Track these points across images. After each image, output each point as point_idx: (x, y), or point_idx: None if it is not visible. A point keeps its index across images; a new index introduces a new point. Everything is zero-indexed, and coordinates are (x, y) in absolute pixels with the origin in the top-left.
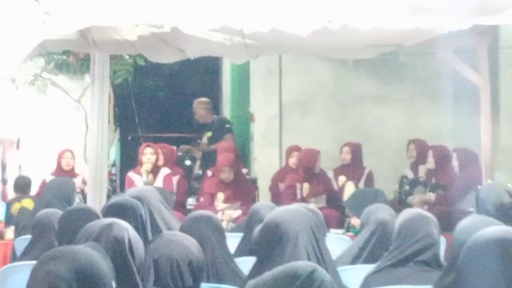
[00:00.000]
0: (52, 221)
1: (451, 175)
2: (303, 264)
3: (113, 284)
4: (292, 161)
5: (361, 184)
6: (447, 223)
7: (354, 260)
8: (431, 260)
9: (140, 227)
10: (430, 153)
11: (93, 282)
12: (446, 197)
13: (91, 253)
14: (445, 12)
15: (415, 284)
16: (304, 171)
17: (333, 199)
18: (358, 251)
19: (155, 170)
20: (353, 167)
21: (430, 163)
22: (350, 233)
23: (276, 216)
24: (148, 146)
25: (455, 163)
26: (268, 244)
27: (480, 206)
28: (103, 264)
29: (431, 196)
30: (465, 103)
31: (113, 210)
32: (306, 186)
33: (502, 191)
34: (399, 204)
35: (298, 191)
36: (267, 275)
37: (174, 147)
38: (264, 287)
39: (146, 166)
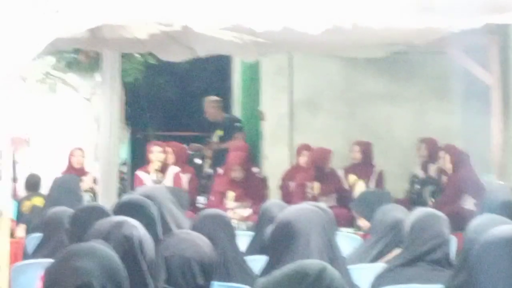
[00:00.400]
0: (62, 219)
1: (465, 174)
2: (313, 263)
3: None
4: (303, 160)
5: (372, 183)
6: (456, 222)
7: (364, 259)
8: (442, 259)
9: (150, 226)
10: (442, 153)
11: (117, 278)
12: (441, 201)
13: (109, 251)
14: (456, 11)
15: (426, 283)
16: (315, 170)
17: (343, 198)
18: (372, 250)
19: (163, 169)
20: (363, 166)
21: (447, 162)
22: (361, 232)
23: (288, 215)
24: (155, 144)
25: (448, 165)
26: (280, 243)
27: (488, 205)
28: (119, 262)
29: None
30: (475, 102)
31: (124, 208)
32: (316, 185)
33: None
34: (410, 203)
35: (309, 190)
36: (277, 273)
37: (185, 146)
38: (274, 286)
39: (155, 164)
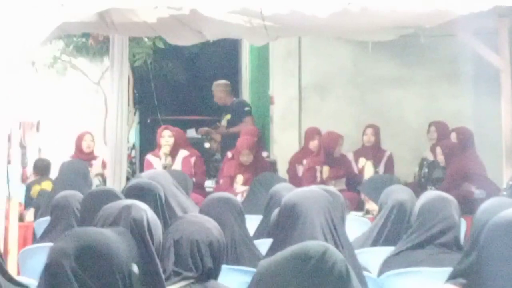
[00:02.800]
0: (71, 203)
1: (473, 157)
2: (315, 245)
3: (134, 267)
4: (313, 144)
5: (381, 167)
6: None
7: (374, 242)
8: (451, 242)
9: (159, 209)
10: (454, 135)
11: (100, 260)
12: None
13: (105, 234)
14: None
15: (435, 266)
16: (325, 154)
17: (353, 182)
18: (377, 233)
19: (173, 153)
20: (373, 149)
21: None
22: (370, 215)
23: (292, 197)
24: (166, 128)
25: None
26: (284, 225)
27: None
28: (118, 246)
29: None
30: (486, 85)
31: (132, 191)
32: (326, 169)
33: None
34: (419, 186)
35: (318, 174)
36: (279, 255)
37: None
38: (276, 268)
39: (165, 148)
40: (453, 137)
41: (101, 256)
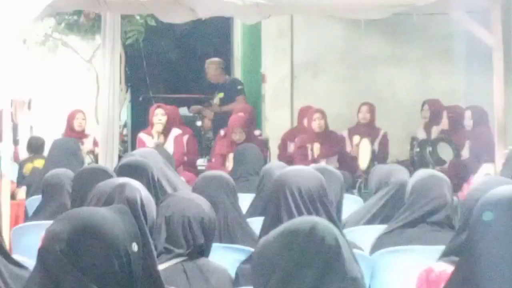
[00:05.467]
0: (63, 181)
1: (464, 136)
2: (303, 221)
3: (134, 246)
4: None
5: (376, 145)
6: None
7: (371, 221)
8: (443, 221)
9: (151, 187)
10: (444, 113)
11: (94, 242)
12: (459, 163)
13: (101, 214)
14: None
15: (427, 245)
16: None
17: (345, 160)
18: (376, 212)
19: (166, 131)
20: (368, 127)
21: (444, 124)
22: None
23: (282, 175)
24: (159, 107)
25: (468, 122)
26: (274, 203)
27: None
28: (114, 226)
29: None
30: (478, 64)
31: (125, 170)
32: (317, 146)
33: None
34: (411, 165)
35: (309, 152)
36: (273, 233)
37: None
38: (271, 245)
39: (157, 127)
40: (468, 116)
41: (94, 238)
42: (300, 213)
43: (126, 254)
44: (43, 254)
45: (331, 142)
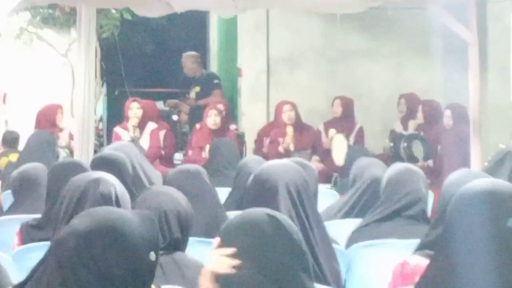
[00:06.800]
0: (38, 175)
1: (439, 130)
2: (257, 212)
3: (152, 256)
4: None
5: (352, 139)
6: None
7: (346, 215)
8: (418, 214)
9: (126, 181)
10: (420, 107)
11: (110, 245)
12: (438, 159)
13: (124, 218)
14: None
15: (402, 238)
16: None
17: (319, 153)
18: (351, 206)
19: (141, 125)
20: (344, 121)
21: (419, 118)
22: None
23: (264, 169)
24: (134, 100)
25: (448, 121)
26: (252, 198)
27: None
28: (135, 232)
29: (429, 162)
30: (454, 58)
31: (100, 163)
32: (288, 140)
33: None
34: (388, 159)
35: (281, 147)
36: (234, 219)
37: (154, 101)
38: (226, 234)
39: (133, 121)
40: (448, 115)
41: (113, 240)
42: (287, 209)
43: (141, 262)
44: (56, 246)
45: (302, 135)
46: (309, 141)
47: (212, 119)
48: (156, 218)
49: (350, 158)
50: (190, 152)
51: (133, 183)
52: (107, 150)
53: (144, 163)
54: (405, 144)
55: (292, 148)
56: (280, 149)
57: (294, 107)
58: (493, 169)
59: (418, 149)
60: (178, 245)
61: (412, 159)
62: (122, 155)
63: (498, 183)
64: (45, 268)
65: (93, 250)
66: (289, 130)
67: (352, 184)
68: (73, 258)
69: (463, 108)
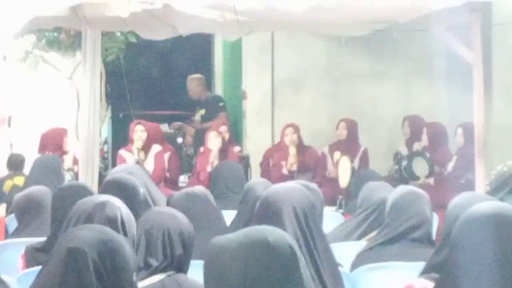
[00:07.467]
0: (42, 198)
1: (445, 153)
2: (258, 231)
3: (134, 275)
4: (287, 139)
5: (356, 161)
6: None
7: (352, 237)
8: (423, 237)
9: (134, 203)
10: (425, 130)
11: (115, 257)
12: (444, 179)
13: (120, 237)
14: None
15: (408, 261)
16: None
17: (319, 176)
18: (357, 228)
19: (146, 148)
20: (349, 143)
21: (424, 140)
22: (342, 210)
23: (272, 193)
24: (139, 123)
25: (460, 139)
26: (259, 221)
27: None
28: (129, 252)
29: (430, 180)
30: (459, 80)
31: (112, 186)
32: (290, 161)
33: None
34: (393, 181)
35: (284, 169)
36: (229, 237)
37: (158, 124)
38: (223, 256)
39: (137, 143)
40: (460, 133)
41: (119, 256)
42: (294, 232)
43: (131, 281)
44: (73, 253)
45: (305, 156)
46: (310, 163)
47: (213, 141)
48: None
49: (357, 181)
50: (195, 176)
51: (140, 206)
52: (120, 173)
53: (150, 185)
54: (406, 163)
55: (295, 168)
56: (284, 171)
57: (296, 130)
58: (496, 191)
59: (419, 166)
60: (181, 265)
61: (413, 177)
62: (134, 179)
63: (503, 206)
64: (52, 274)
65: (104, 263)
66: (292, 150)
67: (359, 207)
68: (89, 268)
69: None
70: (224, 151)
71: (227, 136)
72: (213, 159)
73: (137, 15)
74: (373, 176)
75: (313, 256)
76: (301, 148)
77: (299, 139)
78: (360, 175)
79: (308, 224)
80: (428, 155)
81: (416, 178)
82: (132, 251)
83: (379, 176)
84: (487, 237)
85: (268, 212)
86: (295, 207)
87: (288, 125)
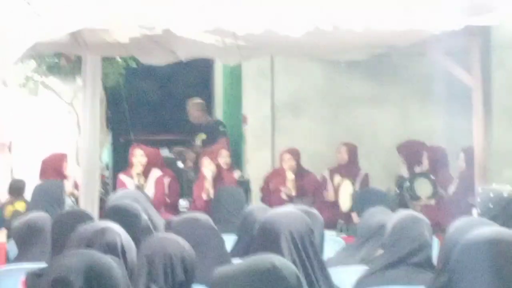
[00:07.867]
0: (43, 224)
1: (445, 176)
2: (264, 259)
3: None
4: (286, 165)
5: (357, 185)
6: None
7: (352, 262)
8: (423, 261)
9: (135, 230)
10: (425, 154)
11: (101, 281)
12: (446, 201)
13: (108, 260)
14: (437, 13)
15: (408, 285)
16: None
17: (318, 201)
18: (357, 253)
19: (146, 172)
20: (349, 167)
21: (425, 164)
22: (343, 235)
23: (270, 218)
24: (138, 147)
25: (462, 163)
26: (258, 246)
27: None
28: (119, 272)
29: (431, 201)
30: (458, 104)
31: (114, 213)
32: (288, 183)
33: None
34: (394, 205)
35: (284, 195)
36: (235, 266)
37: (158, 149)
38: (230, 279)
39: (137, 168)
40: (462, 157)
41: (107, 279)
42: (292, 257)
43: None
44: (58, 284)
45: (304, 181)
46: (309, 188)
47: (207, 168)
48: (121, 262)
49: (361, 203)
50: (195, 201)
51: (142, 232)
52: (123, 200)
53: (151, 211)
54: (408, 184)
55: (294, 193)
56: (283, 195)
57: (294, 155)
58: (495, 215)
59: (422, 187)
60: None
61: (416, 198)
62: (137, 206)
63: (502, 231)
64: None
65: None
66: (289, 175)
67: (360, 232)
68: None
69: (441, 149)
70: (219, 177)
71: (228, 160)
72: (208, 186)
73: (137, 40)
74: (377, 194)
75: (311, 280)
76: (300, 173)
77: (298, 164)
78: (363, 193)
79: (305, 248)
80: (432, 176)
81: (418, 198)
82: (122, 271)
83: (383, 193)
84: (486, 262)
85: (266, 236)
86: (292, 231)
87: (285, 151)
